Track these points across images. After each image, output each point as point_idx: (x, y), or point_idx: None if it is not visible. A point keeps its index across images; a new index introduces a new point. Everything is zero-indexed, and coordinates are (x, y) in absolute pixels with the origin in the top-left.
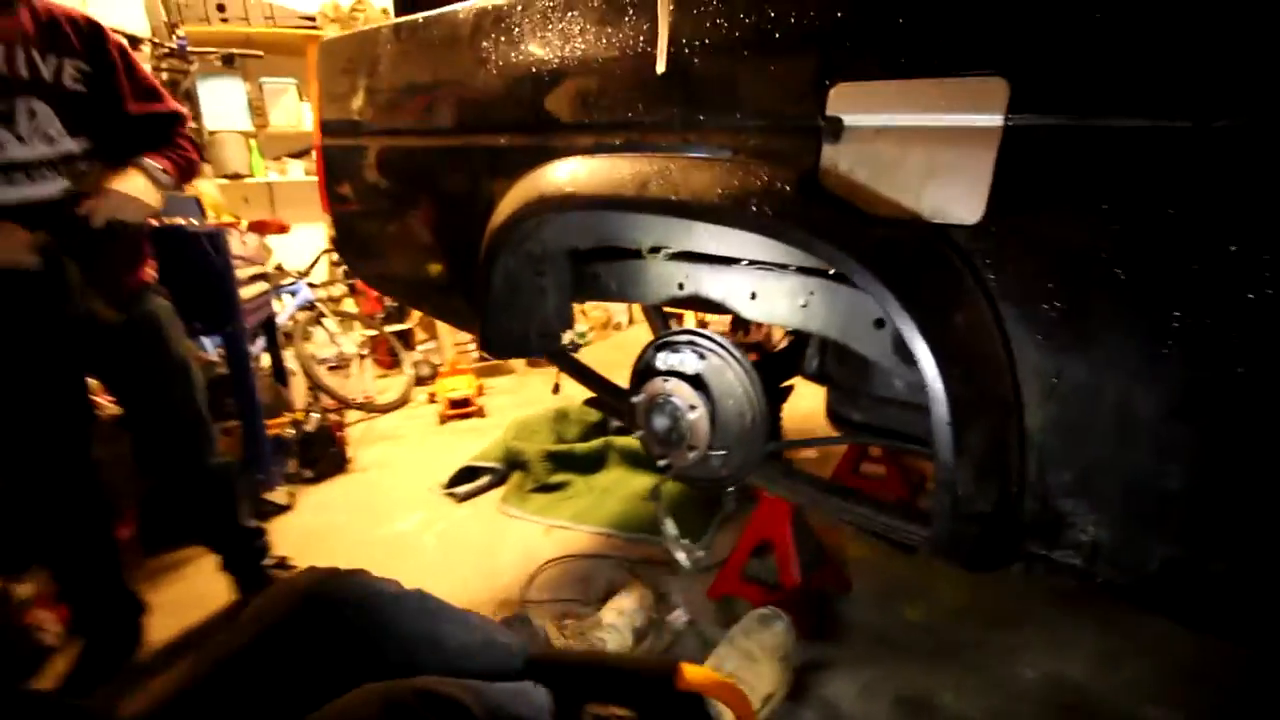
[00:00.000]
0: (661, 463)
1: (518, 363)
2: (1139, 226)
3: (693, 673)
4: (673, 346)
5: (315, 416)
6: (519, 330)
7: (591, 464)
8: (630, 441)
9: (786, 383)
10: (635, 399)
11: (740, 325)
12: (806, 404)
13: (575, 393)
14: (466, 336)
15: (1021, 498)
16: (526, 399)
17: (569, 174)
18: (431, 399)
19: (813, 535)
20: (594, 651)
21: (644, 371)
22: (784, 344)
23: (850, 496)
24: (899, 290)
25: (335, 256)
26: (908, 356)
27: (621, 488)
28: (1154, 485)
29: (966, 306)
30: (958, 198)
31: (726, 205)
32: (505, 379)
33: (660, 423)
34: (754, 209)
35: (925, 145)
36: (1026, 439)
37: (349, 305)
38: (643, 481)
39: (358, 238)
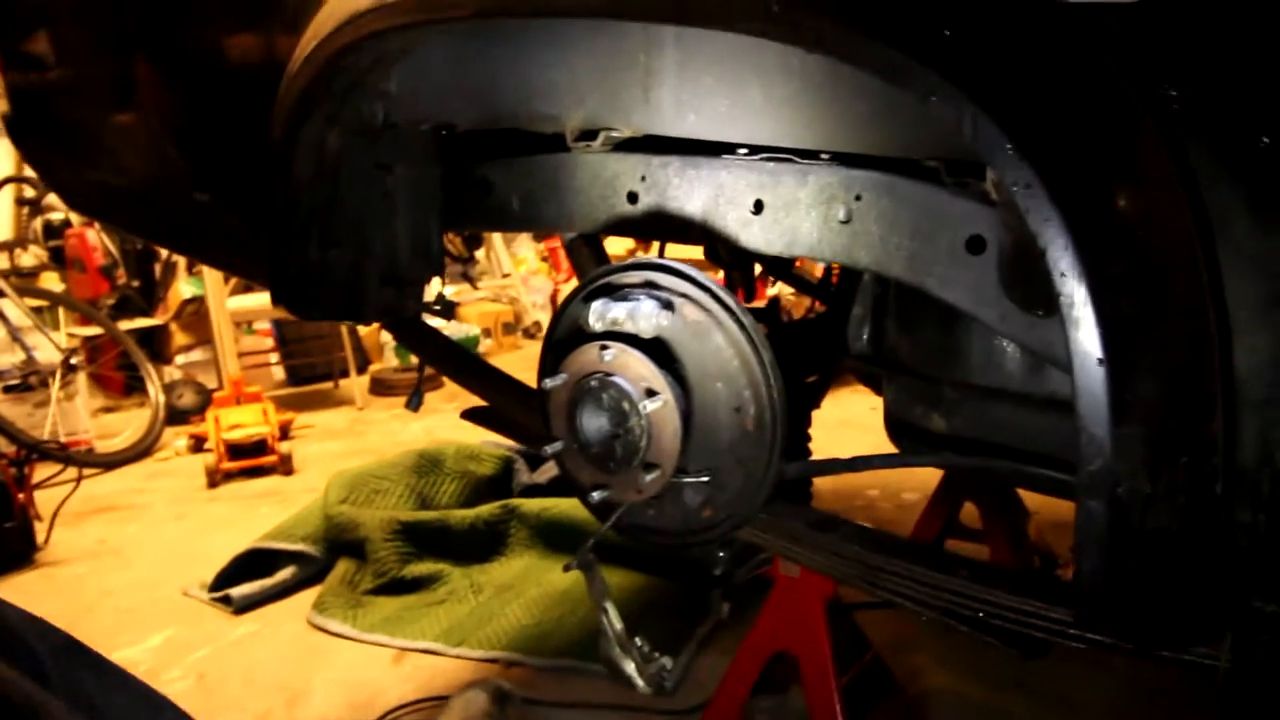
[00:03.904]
0: (596, 496)
1: (357, 386)
2: None
3: None
4: (617, 291)
5: None
6: (343, 269)
7: (480, 545)
8: (551, 506)
9: (816, 376)
10: (549, 383)
11: (738, 281)
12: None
13: (454, 423)
14: (265, 342)
15: (1230, 501)
16: (368, 447)
17: None
18: (197, 444)
19: (866, 646)
20: None
21: (566, 339)
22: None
23: (934, 561)
24: (1013, 120)
25: (29, 191)
26: (1027, 296)
27: (531, 585)
28: None
29: (1133, 150)
30: None
31: None
32: (333, 413)
33: (594, 423)
34: None
35: None
36: (1237, 391)
37: (51, 281)
38: (569, 574)
39: (56, 118)
